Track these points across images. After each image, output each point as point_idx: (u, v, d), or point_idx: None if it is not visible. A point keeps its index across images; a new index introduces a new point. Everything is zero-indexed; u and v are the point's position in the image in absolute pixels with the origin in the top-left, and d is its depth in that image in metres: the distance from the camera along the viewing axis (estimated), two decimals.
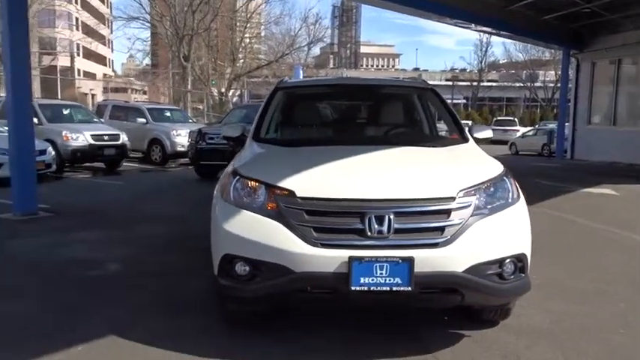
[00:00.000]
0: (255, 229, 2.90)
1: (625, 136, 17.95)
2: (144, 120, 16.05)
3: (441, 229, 2.83)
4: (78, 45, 58.09)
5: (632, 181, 12.78)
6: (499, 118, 37.90)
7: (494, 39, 60.83)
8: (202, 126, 15.08)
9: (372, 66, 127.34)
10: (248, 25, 35.72)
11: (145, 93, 70.08)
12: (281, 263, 2.80)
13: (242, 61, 35.39)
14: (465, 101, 57.98)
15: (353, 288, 2.75)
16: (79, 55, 59.45)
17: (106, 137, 13.32)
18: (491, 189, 3.09)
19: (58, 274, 4.59)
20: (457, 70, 65.41)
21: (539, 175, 14.45)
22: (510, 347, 3.27)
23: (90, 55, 68.31)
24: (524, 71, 54.75)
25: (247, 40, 36.66)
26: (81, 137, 12.79)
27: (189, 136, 13.33)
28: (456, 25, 16.82)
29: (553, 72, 48.11)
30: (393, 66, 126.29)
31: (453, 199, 2.90)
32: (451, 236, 2.82)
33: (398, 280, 2.76)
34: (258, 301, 3.00)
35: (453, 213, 2.87)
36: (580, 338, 3.45)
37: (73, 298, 4.01)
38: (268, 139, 4.08)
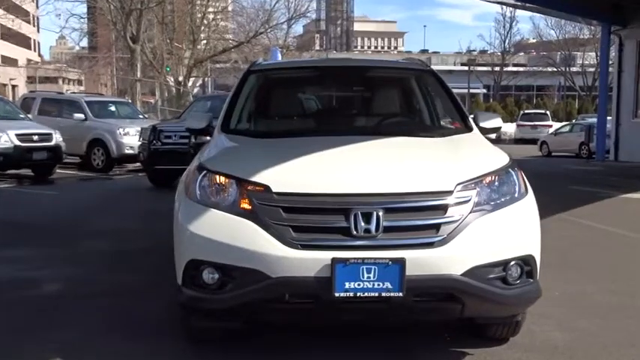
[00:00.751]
0: (225, 230, 3.20)
1: None
2: (82, 116, 16.33)
3: (437, 226, 3.15)
4: None
5: None
6: (527, 111, 38.66)
7: (520, 13, 61.86)
8: (156, 122, 15.37)
9: (369, 47, 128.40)
10: None
11: (80, 83, 70.13)
12: (255, 268, 3.10)
13: (205, 42, 35.75)
14: (484, 91, 58.77)
15: (337, 294, 3.05)
16: None
17: (35, 137, 13.58)
18: (495, 182, 3.42)
19: None
20: (475, 52, 66.34)
21: (573, 179, 14.96)
22: None
23: (10, 35, 68.31)
24: (559, 53, 55.74)
25: (211, 17, 37.05)
26: (4, 137, 13.03)
27: (141, 135, 13.62)
28: None
29: (593, 53, 49.07)
30: (395, 47, 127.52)
31: (449, 193, 3.23)
32: (448, 235, 3.14)
33: (388, 284, 3.07)
34: (230, 314, 3.30)
35: (450, 209, 3.20)
36: (601, 358, 3.79)
37: (19, 321, 4.31)
38: (239, 130, 4.40)
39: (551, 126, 32.25)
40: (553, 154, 25.70)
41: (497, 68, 57.71)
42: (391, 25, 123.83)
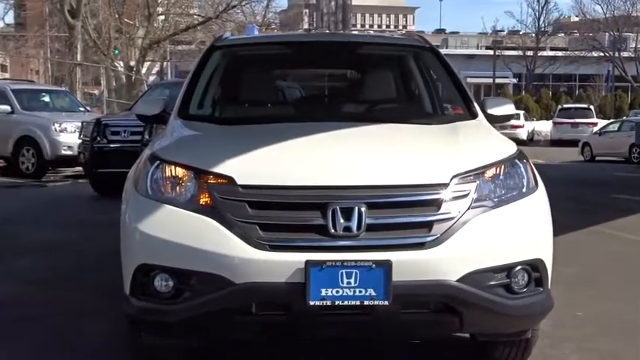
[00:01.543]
0: (181, 230, 3.41)
1: None
2: (7, 108, 16.52)
3: (429, 225, 3.38)
4: None
5: None
6: (565, 106, 39.14)
7: None
8: (101, 116, 15.59)
9: (371, 26, 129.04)
10: None
11: (5, 69, 70.07)
12: (216, 273, 3.31)
13: (163, 18, 35.99)
14: (515, 80, 59.35)
15: (311, 302, 3.26)
16: None
17: None
18: (499, 175, 3.66)
19: None
20: (503, 33, 67.01)
21: (617, 187, 15.29)
22: None
23: None
24: (607, 34, 56.30)
25: None
26: None
27: (81, 132, 13.84)
28: None
29: None
30: (404, 26, 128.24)
31: (444, 186, 3.46)
32: (442, 234, 3.36)
33: (371, 291, 3.28)
34: (187, 328, 3.52)
35: (444, 204, 3.42)
36: None
37: None
38: (200, 115, 4.65)
39: (595, 124, 32.69)
40: (597, 158, 26.08)
41: (530, 53, 58.24)
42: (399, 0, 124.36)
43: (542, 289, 3.63)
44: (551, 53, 60.06)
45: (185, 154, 3.73)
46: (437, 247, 3.36)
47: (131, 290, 3.56)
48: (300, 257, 3.28)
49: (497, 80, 52.88)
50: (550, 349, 4.50)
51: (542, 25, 60.99)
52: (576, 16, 68.52)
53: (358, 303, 3.31)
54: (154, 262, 3.47)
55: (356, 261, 3.29)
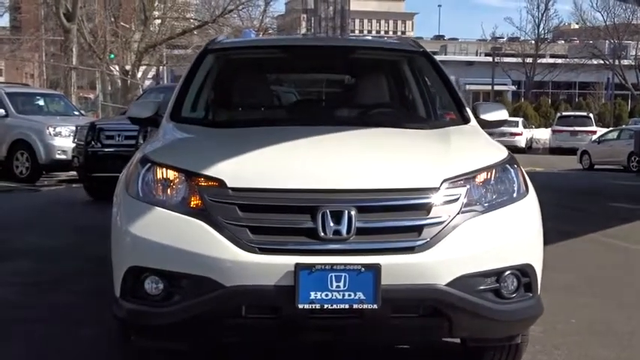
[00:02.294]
0: (172, 232, 3.46)
1: None
2: (2, 111, 16.60)
3: (418, 229, 3.43)
4: None
5: None
6: (564, 113, 39.27)
7: None
8: (95, 120, 15.65)
9: (369, 31, 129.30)
10: None
11: None
12: (206, 275, 3.35)
13: (159, 22, 36.07)
14: (514, 88, 59.54)
15: (301, 306, 3.31)
16: None
17: None
18: (489, 180, 3.72)
19: None
20: (503, 40, 67.24)
21: (615, 195, 15.40)
22: None
23: None
24: (607, 41, 56.55)
25: None
26: None
27: (76, 135, 13.89)
28: None
29: None
30: (403, 32, 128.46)
31: (434, 190, 3.51)
32: (431, 239, 3.42)
33: (360, 294, 3.33)
34: (177, 331, 3.57)
35: (434, 209, 3.48)
36: None
37: None
38: (192, 118, 4.70)
39: (594, 132, 32.85)
40: (596, 166, 26.21)
41: (529, 60, 58.44)
42: (398, 4, 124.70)
43: (531, 295, 3.68)
44: (551, 60, 60.26)
45: (176, 157, 3.79)
46: (426, 252, 3.41)
47: (121, 293, 3.61)
48: (290, 260, 3.33)
49: (497, 87, 52.99)
50: (542, 355, 4.54)
51: (542, 33, 61.24)
52: (576, 24, 68.89)
53: (347, 306, 3.35)
54: (145, 264, 3.52)
55: (345, 264, 3.34)
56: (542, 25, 61.09)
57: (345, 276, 3.34)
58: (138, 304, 3.54)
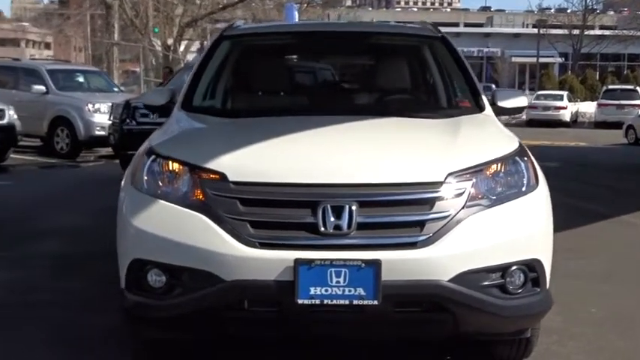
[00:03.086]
0: (173, 225, 3.48)
1: None
2: (42, 88, 16.80)
3: (421, 224, 3.40)
4: None
5: None
6: (610, 87, 38.44)
7: None
8: (130, 97, 15.78)
9: (415, 3, 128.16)
10: None
11: (48, 47, 71.20)
12: (206, 269, 3.38)
13: None
14: (561, 60, 58.48)
15: (300, 301, 3.31)
16: None
17: None
18: (497, 173, 3.66)
19: None
20: (551, 11, 66.02)
21: None
22: None
23: None
24: None
25: None
26: None
27: (112, 113, 14.02)
28: None
29: None
30: (449, 3, 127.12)
31: (438, 184, 3.47)
32: (434, 234, 3.38)
33: (360, 290, 3.32)
34: (181, 323, 3.59)
35: (438, 203, 3.44)
36: None
37: None
38: (203, 107, 4.70)
39: None
40: None
41: (576, 31, 57.27)
42: None
43: (539, 290, 3.64)
44: (599, 32, 58.95)
45: (181, 149, 3.80)
46: (429, 247, 3.39)
47: (126, 285, 3.66)
48: (290, 255, 3.33)
49: (543, 60, 52.11)
50: (557, 346, 4.50)
51: (591, 4, 59.79)
52: None
53: (347, 302, 3.35)
54: (147, 257, 3.56)
55: (345, 260, 3.33)
56: None
57: (345, 271, 3.33)
58: (141, 297, 3.59)
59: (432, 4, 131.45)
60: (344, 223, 3.35)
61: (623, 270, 6.63)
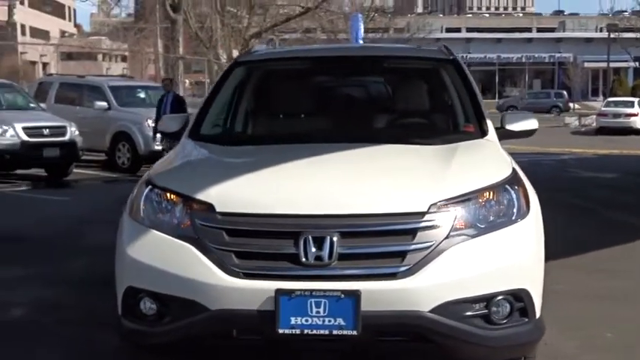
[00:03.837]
0: (164, 255, 3.60)
1: None
2: (104, 104, 17.27)
3: (402, 254, 3.42)
4: None
5: None
6: None
7: None
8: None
9: (488, 8, 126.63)
10: None
11: (124, 59, 72.91)
12: (193, 298, 3.48)
13: (265, 9, 36.37)
14: (635, 64, 56.93)
15: (281, 330, 3.38)
16: (22, 3, 62.75)
17: (45, 131, 14.54)
18: (485, 201, 3.65)
19: None
20: (626, 13, 64.33)
21: None
22: None
23: (41, 3, 72.02)
24: None
25: None
26: (9, 132, 14.07)
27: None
28: None
29: None
30: (523, 7, 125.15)
31: (421, 215, 3.48)
32: (415, 264, 3.40)
33: (340, 321, 3.36)
34: (174, 349, 3.70)
35: (420, 233, 3.45)
36: None
37: None
38: (209, 135, 4.77)
39: None
40: None
41: None
42: None
43: (527, 320, 3.62)
44: None
45: (177, 180, 3.92)
46: (409, 278, 3.41)
47: (122, 311, 3.79)
48: (272, 286, 3.40)
49: (616, 64, 50.91)
50: None
51: None
52: None
53: (327, 332, 3.40)
54: (140, 285, 3.68)
55: (324, 290, 3.38)
56: None
57: (324, 302, 3.38)
58: (135, 323, 3.71)
59: (505, 8, 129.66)
60: (325, 253, 3.40)
61: None
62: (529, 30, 76.31)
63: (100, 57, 73.94)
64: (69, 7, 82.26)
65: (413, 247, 3.44)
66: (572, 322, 5.21)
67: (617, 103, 35.51)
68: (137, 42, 52.74)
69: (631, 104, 34.48)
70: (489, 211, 3.66)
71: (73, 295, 6.32)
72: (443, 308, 3.41)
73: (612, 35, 49.92)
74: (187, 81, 27.01)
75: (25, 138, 14.13)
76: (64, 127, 14.78)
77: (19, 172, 15.22)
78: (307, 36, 42.71)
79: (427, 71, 5.38)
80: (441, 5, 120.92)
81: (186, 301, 3.51)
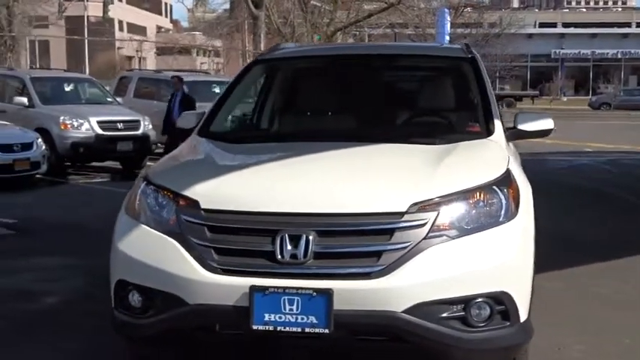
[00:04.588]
0: (150, 250, 3.70)
1: None
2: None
3: (377, 254, 3.41)
4: None
5: None
6: None
7: None
8: None
9: (587, 2, 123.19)
10: None
11: (217, 54, 74.12)
12: (173, 292, 3.57)
13: (351, 5, 36.34)
14: None
15: (255, 327, 3.43)
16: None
17: (120, 125, 14.98)
18: (472, 202, 3.61)
19: None
20: None
21: None
22: None
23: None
24: None
25: None
26: (85, 125, 14.54)
27: None
28: None
29: None
30: (624, 2, 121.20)
31: (399, 215, 3.47)
32: (390, 265, 3.38)
33: (312, 319, 3.39)
34: (160, 340, 3.78)
35: (397, 234, 3.44)
36: None
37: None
38: (218, 133, 4.84)
39: None
40: None
41: None
42: None
43: (508, 323, 3.56)
44: None
45: (171, 177, 4.01)
46: (384, 277, 3.40)
47: (114, 304, 3.91)
48: (247, 282, 3.45)
49: None
50: None
51: None
52: None
53: (300, 330, 3.43)
54: (128, 279, 3.79)
55: (297, 288, 3.41)
56: None
57: (297, 299, 3.41)
58: (125, 315, 3.83)
59: (605, 3, 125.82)
60: (300, 252, 3.43)
61: None
62: (628, 25, 73.84)
63: (194, 52, 75.42)
64: (165, 3, 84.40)
65: (389, 247, 3.44)
66: (584, 328, 5.10)
67: None
68: (231, 37, 53.58)
69: None
70: (476, 212, 3.62)
71: (102, 288, 6.49)
72: (417, 309, 3.39)
73: None
74: None
75: (100, 131, 14.56)
76: (138, 122, 15.16)
77: (95, 164, 15.72)
78: (387, 31, 42.56)
79: (442, 70, 5.34)
80: (537, 0, 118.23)
81: (168, 295, 3.60)
